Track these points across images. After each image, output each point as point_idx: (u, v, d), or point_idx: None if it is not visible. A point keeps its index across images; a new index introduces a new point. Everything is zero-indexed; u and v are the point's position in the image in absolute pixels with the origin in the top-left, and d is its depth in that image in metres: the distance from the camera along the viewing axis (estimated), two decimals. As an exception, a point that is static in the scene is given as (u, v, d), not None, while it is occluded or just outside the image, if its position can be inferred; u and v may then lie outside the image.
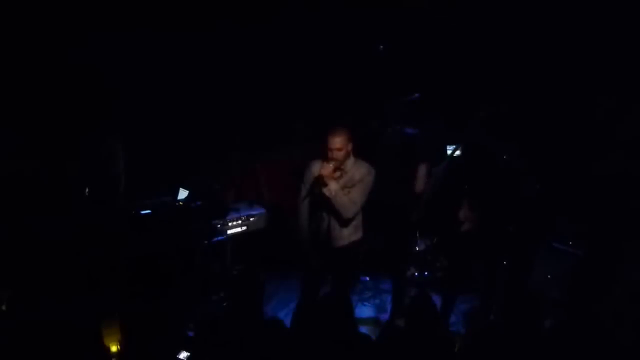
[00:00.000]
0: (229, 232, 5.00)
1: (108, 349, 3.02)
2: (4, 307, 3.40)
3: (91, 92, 5.12)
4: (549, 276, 4.87)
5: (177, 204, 4.89)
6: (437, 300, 3.44)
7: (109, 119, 5.12)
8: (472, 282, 4.88)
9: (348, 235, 4.13)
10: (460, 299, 4.78)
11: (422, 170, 4.99)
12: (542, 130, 5.35)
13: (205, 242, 4.81)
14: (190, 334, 3.66)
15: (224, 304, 4.76)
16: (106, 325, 3.17)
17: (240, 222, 5.09)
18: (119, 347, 3.03)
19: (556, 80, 5.47)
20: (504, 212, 4.30)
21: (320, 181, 3.97)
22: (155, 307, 3.89)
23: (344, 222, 4.07)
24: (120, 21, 5.15)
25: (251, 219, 5.15)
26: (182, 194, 4.96)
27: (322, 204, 4.03)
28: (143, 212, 4.66)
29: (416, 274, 5.78)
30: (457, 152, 5.87)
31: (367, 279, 5.73)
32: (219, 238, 4.94)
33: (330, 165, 3.94)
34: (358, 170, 4.07)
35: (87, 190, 4.75)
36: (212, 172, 5.60)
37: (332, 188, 3.95)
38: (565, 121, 5.36)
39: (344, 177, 4.04)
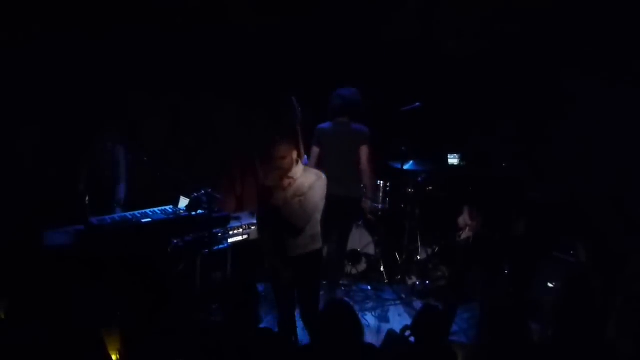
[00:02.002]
0: (230, 240, 4.98)
1: (110, 357, 3.01)
2: (2, 316, 3.37)
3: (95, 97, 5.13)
4: (549, 285, 4.86)
5: (178, 212, 4.88)
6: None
7: (113, 125, 5.12)
8: (473, 290, 4.86)
9: (304, 244, 4.03)
10: (462, 307, 4.76)
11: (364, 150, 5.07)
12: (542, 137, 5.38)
13: (206, 250, 4.79)
14: (190, 342, 3.64)
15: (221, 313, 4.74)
16: (106, 334, 3.16)
17: (241, 230, 5.09)
18: (118, 356, 3.02)
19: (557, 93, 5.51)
20: (505, 220, 4.29)
21: (268, 191, 3.96)
22: (156, 316, 3.88)
23: (297, 232, 3.99)
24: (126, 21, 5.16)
25: (252, 227, 5.14)
26: (183, 202, 4.95)
27: (274, 215, 3.98)
28: (144, 220, 4.65)
29: (417, 283, 5.76)
30: (457, 160, 5.90)
31: (369, 288, 5.72)
32: (220, 246, 4.93)
33: (276, 174, 3.95)
34: (307, 178, 4.02)
35: (87, 199, 4.73)
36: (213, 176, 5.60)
37: (280, 197, 3.93)
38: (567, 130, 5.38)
39: (294, 186, 3.99)
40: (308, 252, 4.06)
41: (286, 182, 3.98)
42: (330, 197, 4.19)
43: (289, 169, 3.97)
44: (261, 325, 3.87)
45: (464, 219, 4.57)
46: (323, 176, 4.09)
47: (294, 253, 4.04)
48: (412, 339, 3.19)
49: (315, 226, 4.08)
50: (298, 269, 4.08)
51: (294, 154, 3.98)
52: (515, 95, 5.70)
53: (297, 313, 4.35)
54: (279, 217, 3.96)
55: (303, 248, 4.04)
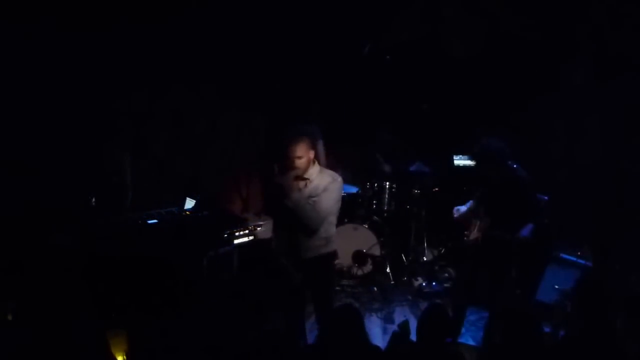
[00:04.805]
0: (235, 241, 4.98)
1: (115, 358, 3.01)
2: (10, 317, 3.39)
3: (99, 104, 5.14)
4: (556, 287, 4.84)
5: (184, 213, 4.88)
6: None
7: (117, 130, 5.14)
8: (480, 292, 4.84)
9: (316, 247, 3.95)
10: (469, 309, 4.73)
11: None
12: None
13: (212, 252, 4.79)
14: (197, 343, 3.64)
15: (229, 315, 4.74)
16: (113, 335, 3.17)
17: (247, 231, 5.08)
18: (125, 357, 3.02)
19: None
20: (513, 221, 4.27)
21: (282, 192, 3.86)
22: (162, 317, 3.88)
23: (310, 233, 3.90)
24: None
25: (258, 229, 5.13)
26: (189, 203, 4.96)
27: (287, 216, 3.89)
28: (150, 222, 4.66)
29: (423, 284, 5.75)
30: (465, 161, 5.89)
31: (375, 289, 5.71)
32: (226, 248, 4.93)
33: (291, 174, 3.84)
34: (323, 179, 3.92)
35: (93, 200, 4.75)
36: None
37: (294, 198, 3.84)
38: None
39: (309, 187, 3.90)
40: (321, 255, 3.98)
41: (301, 183, 3.90)
42: None
43: (305, 170, 3.89)
44: (269, 327, 3.88)
45: (471, 219, 4.54)
46: (339, 178, 3.99)
47: (307, 255, 3.95)
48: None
49: (329, 229, 3.99)
50: (311, 271, 4.00)
51: (311, 154, 3.89)
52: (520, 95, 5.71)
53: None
54: (292, 218, 3.87)
55: (316, 250, 3.96)
